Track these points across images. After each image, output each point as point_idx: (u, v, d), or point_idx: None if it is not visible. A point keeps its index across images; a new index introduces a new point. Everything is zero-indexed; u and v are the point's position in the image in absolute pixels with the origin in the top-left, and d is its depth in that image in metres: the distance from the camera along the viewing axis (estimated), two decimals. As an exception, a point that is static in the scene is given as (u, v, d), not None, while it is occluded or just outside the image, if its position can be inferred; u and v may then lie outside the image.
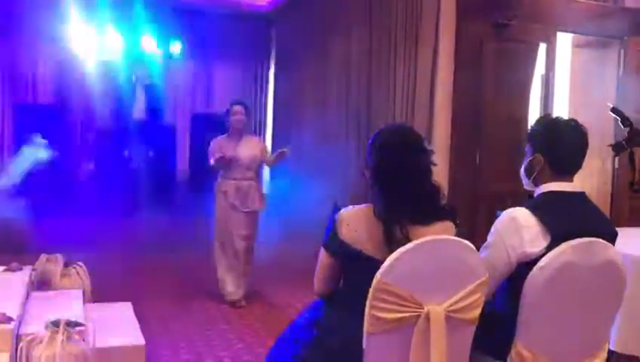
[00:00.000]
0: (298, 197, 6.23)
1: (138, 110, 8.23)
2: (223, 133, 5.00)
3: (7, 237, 6.05)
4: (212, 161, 4.83)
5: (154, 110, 8.27)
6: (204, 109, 8.68)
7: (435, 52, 5.08)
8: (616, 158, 5.47)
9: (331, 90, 6.49)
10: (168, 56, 7.97)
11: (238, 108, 4.89)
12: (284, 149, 4.91)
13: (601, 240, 1.94)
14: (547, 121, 2.18)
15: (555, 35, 5.49)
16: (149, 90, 8.19)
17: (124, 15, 7.31)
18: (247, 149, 4.87)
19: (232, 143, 4.87)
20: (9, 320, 2.65)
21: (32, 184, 6.65)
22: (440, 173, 2.01)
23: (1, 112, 7.06)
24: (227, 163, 4.79)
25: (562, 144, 2.05)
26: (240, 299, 4.87)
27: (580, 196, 2.08)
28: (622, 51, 5.79)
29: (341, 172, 5.80)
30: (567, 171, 2.07)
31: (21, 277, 3.50)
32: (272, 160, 5.03)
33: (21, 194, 6.66)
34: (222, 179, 4.94)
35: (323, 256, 2.02)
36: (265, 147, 5.21)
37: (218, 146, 4.87)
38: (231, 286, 4.88)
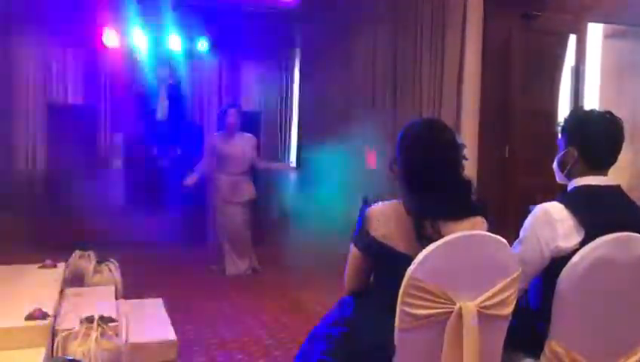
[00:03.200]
0: (326, 195, 6.23)
1: (163, 108, 8.31)
2: (246, 131, 5.77)
3: (40, 235, 6.18)
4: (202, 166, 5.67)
5: (180, 109, 8.33)
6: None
7: (463, 45, 5.02)
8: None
9: (358, 85, 6.46)
10: (194, 55, 8.02)
11: (232, 111, 5.65)
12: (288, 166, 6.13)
13: (637, 234, 1.89)
14: (581, 114, 2.15)
15: (585, 25, 5.38)
16: (175, 88, 8.25)
17: (150, 14, 7.38)
18: (238, 146, 5.58)
19: (225, 140, 5.58)
20: (45, 316, 2.71)
21: (65, 182, 6.80)
22: (468, 168, 1.98)
23: (34, 113, 7.19)
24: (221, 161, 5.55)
25: (597, 137, 2.01)
26: (240, 273, 5.62)
27: (615, 190, 2.03)
28: (655, 41, 5.66)
29: (369, 169, 5.78)
30: (602, 165, 2.03)
31: (55, 274, 3.57)
32: (271, 166, 6.23)
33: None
34: (217, 174, 5.62)
35: (353, 252, 2.01)
36: (255, 143, 5.86)
37: (212, 142, 5.67)
38: (230, 266, 5.61)
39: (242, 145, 5.62)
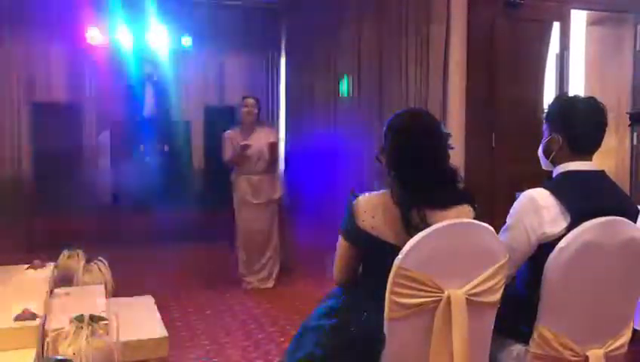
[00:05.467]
0: (313, 187, 6.24)
1: (149, 105, 8.26)
2: (235, 125, 5.23)
3: (27, 235, 6.14)
4: (227, 157, 5.02)
5: (165, 105, 8.29)
6: (217, 102, 8.69)
7: (447, 33, 5.02)
8: (635, 135, 5.39)
9: (343, 77, 6.46)
10: (179, 50, 7.97)
11: (248, 101, 5.09)
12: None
13: (622, 218, 1.91)
14: (564, 100, 2.15)
15: (568, 12, 5.39)
16: (160, 85, 8.20)
17: (134, 10, 7.33)
18: (256, 142, 4.97)
19: (242, 136, 5.01)
20: (34, 316, 2.69)
21: (52, 181, 6.75)
22: (455, 157, 2.00)
23: (17, 111, 7.11)
24: (242, 154, 4.93)
25: (580, 123, 2.02)
26: (264, 283, 5.12)
27: (600, 174, 2.05)
28: (638, 27, 5.68)
29: (355, 160, 5.79)
30: (586, 150, 2.05)
31: (44, 274, 3.55)
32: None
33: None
34: (235, 174, 5.11)
35: (341, 243, 2.01)
36: (276, 134, 5.40)
37: (230, 140, 5.02)
38: (251, 276, 5.11)
39: (260, 140, 4.99)
